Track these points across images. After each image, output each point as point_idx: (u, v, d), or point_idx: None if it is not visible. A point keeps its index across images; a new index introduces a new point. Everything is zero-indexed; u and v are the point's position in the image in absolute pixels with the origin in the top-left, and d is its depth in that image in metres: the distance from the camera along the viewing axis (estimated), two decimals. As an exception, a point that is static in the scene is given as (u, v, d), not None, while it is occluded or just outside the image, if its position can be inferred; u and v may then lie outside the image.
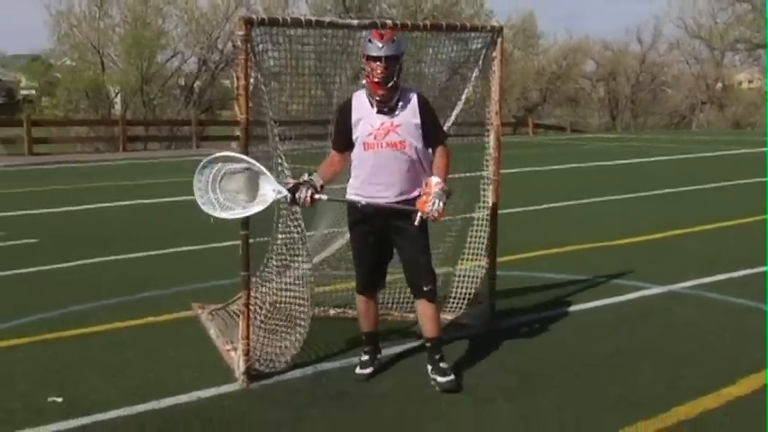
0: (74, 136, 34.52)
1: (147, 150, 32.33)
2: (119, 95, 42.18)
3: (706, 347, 6.04)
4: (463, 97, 6.42)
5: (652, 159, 23.41)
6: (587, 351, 5.96)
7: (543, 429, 4.63)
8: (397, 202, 5.16)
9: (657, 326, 6.59)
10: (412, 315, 6.67)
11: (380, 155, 5.10)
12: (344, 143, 5.22)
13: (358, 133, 5.14)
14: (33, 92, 53.40)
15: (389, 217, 5.17)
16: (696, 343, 6.15)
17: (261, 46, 5.32)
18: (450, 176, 6.38)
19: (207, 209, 5.16)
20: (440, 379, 5.22)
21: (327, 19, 5.41)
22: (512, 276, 7.56)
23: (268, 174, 5.06)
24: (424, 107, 5.18)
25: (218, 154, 5.14)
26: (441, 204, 4.86)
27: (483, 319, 6.45)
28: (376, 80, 4.99)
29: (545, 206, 13.12)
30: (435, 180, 4.95)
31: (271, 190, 5.04)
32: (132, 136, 32.10)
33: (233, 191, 5.12)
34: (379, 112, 5.11)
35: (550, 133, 40.95)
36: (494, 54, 6.15)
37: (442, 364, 5.27)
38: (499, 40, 6.12)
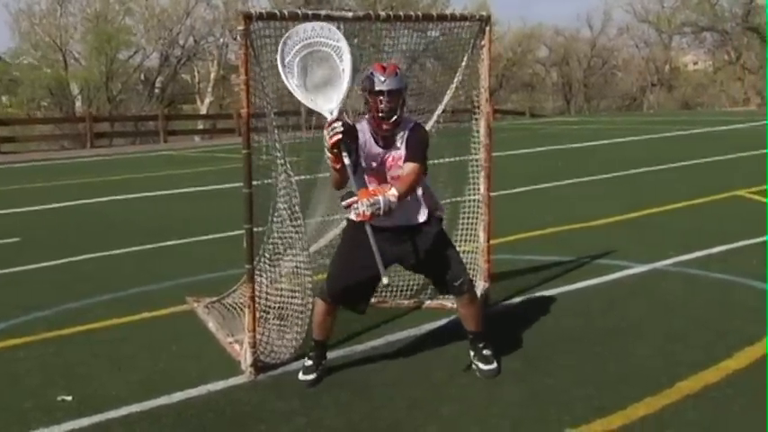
0: (38, 134, 34.24)
1: (113, 146, 32.14)
2: (80, 93, 41.84)
3: (697, 322, 6.19)
4: (453, 86, 6.49)
5: (614, 141, 23.68)
6: (584, 331, 6.08)
7: (555, 409, 4.72)
8: (408, 227, 5.10)
9: (647, 303, 6.73)
10: (406, 302, 6.78)
11: None
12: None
13: (363, 161, 5.00)
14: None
15: (405, 240, 5.10)
16: (687, 318, 6.29)
17: (258, 41, 5.30)
18: (439, 161, 6.54)
19: (281, 49, 4.96)
20: (483, 366, 5.27)
21: (323, 12, 5.43)
22: (498, 260, 7.64)
23: (344, 95, 4.90)
24: (414, 131, 5.04)
25: (343, 38, 4.99)
26: (369, 211, 4.66)
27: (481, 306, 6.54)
28: (380, 115, 4.88)
29: (517, 190, 13.25)
30: (392, 191, 4.78)
31: (328, 105, 4.86)
32: (98, 132, 31.88)
33: (309, 68, 4.97)
34: (380, 145, 5.01)
35: (509, 118, 41.18)
36: (482, 43, 6.23)
37: (485, 352, 5.32)
38: (487, 28, 6.20)
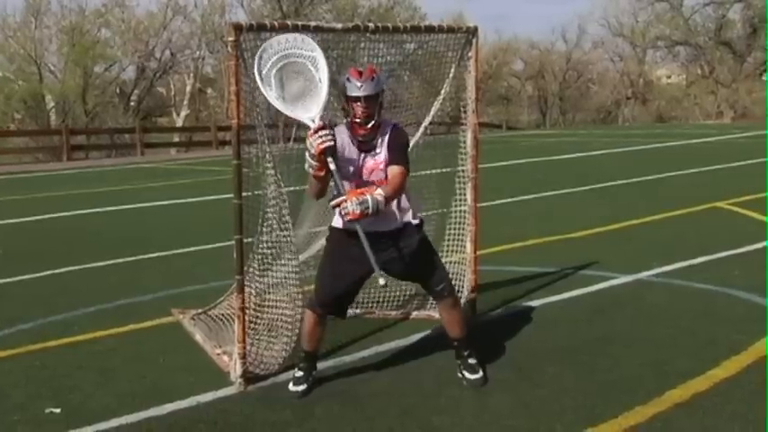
0: (12, 147, 34.05)
1: (89, 159, 32.02)
2: (54, 106, 41.67)
3: (683, 332, 6.23)
4: (440, 97, 6.52)
5: (592, 153, 23.85)
6: (571, 341, 6.11)
7: (546, 418, 4.74)
8: (392, 231, 5.11)
9: (632, 313, 6.78)
10: (393, 313, 6.79)
11: None
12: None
13: (342, 170, 4.93)
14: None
15: (389, 245, 5.11)
16: (673, 328, 6.33)
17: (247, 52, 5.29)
18: (425, 172, 6.57)
19: (257, 63, 4.95)
20: (468, 375, 5.30)
21: (313, 23, 5.45)
22: (482, 271, 7.64)
23: (324, 103, 4.89)
24: (394, 134, 5.05)
25: (317, 48, 4.99)
26: (358, 209, 4.63)
27: (466, 313, 6.54)
28: (357, 120, 4.89)
29: (497, 202, 13.29)
30: (379, 191, 4.76)
31: (308, 114, 4.85)
32: (75, 145, 31.74)
33: (286, 80, 4.97)
34: (360, 150, 5.01)
35: (485, 131, 41.31)
36: (469, 54, 6.27)
37: (470, 360, 5.34)
38: (474, 40, 6.24)
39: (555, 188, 15.29)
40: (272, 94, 4.94)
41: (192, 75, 49.22)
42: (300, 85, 4.99)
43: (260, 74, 4.95)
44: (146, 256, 9.79)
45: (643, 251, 9.15)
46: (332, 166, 4.77)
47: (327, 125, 4.82)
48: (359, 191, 4.76)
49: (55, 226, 13.09)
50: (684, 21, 58.53)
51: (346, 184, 4.89)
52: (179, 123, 46.99)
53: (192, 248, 10.11)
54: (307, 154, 4.81)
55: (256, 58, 4.97)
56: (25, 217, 13.93)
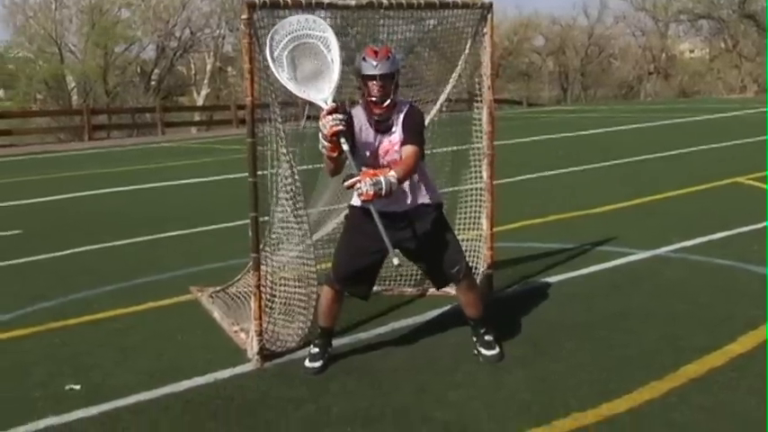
0: (35, 127, 34.26)
1: (111, 139, 32.19)
2: (76, 86, 41.87)
3: (701, 307, 6.22)
4: (455, 74, 6.50)
5: (613, 129, 23.73)
6: (587, 316, 6.11)
7: (561, 393, 4.74)
8: (406, 212, 5.14)
9: (650, 289, 6.76)
10: (410, 290, 6.81)
11: None
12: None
13: (358, 147, 4.99)
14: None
15: (403, 226, 5.12)
16: (690, 303, 6.32)
17: (261, 31, 5.30)
18: (440, 150, 6.56)
19: (269, 44, 4.94)
20: (485, 352, 5.31)
21: (326, 0, 5.42)
22: (500, 247, 7.63)
23: (336, 84, 4.88)
24: (409, 114, 5.05)
25: (329, 29, 4.98)
26: (372, 190, 4.62)
27: (483, 289, 6.55)
28: (373, 99, 4.89)
29: (518, 178, 13.30)
30: (392, 172, 4.75)
31: (321, 95, 4.85)
32: (96, 125, 31.89)
33: (298, 61, 4.96)
34: (376, 130, 5.03)
35: (506, 107, 41.17)
36: (484, 30, 6.24)
37: (487, 337, 5.35)
38: (489, 16, 6.20)
39: (577, 164, 15.23)
40: (284, 76, 4.95)
41: (212, 53, 49.23)
42: (313, 66, 4.99)
43: (272, 55, 4.95)
44: (165, 235, 9.86)
45: (663, 227, 9.12)
46: (345, 147, 4.78)
47: (340, 107, 4.83)
48: (372, 171, 4.76)
49: (75, 205, 13.18)
50: (708, -6, 57.94)
51: (361, 165, 4.90)
52: (199, 102, 47.05)
53: (211, 227, 10.16)
54: (320, 134, 4.82)
55: (268, 40, 4.97)
56: (46, 196, 14.03)
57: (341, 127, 4.73)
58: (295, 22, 5.02)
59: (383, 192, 4.67)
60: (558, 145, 19.88)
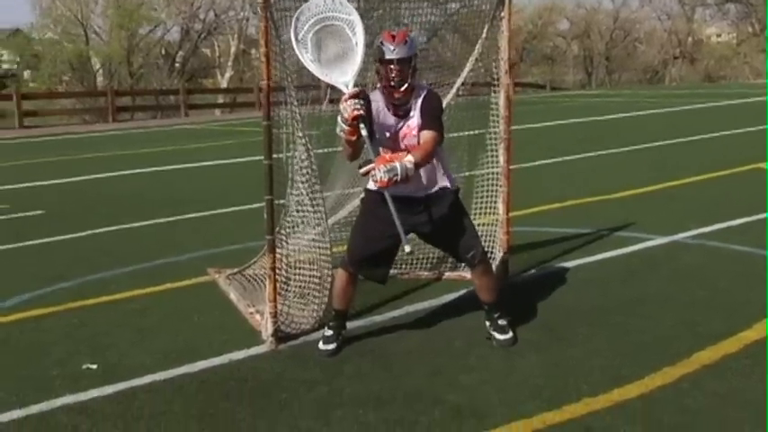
0: (60, 108, 34.51)
1: (134, 120, 32.37)
2: (102, 68, 42.21)
3: (717, 294, 6.20)
4: (472, 58, 6.49)
5: (636, 114, 23.58)
6: (603, 302, 6.10)
7: (573, 378, 4.75)
8: (423, 197, 5.14)
9: (667, 275, 6.75)
10: (425, 273, 6.82)
11: None
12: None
13: (375, 134, 4.98)
14: (15, 66, 52.98)
15: (420, 210, 5.14)
16: (706, 290, 6.30)
17: (278, 14, 5.31)
18: (456, 134, 6.55)
19: (294, 24, 4.96)
20: (498, 336, 5.32)
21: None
22: (517, 232, 7.62)
23: (358, 68, 4.90)
24: (427, 99, 5.04)
25: (354, 12, 4.99)
26: (387, 177, 4.63)
27: (498, 274, 6.56)
28: (391, 84, 4.88)
29: (538, 162, 13.26)
30: (408, 157, 4.74)
31: (343, 78, 4.87)
32: (120, 106, 32.08)
33: (323, 42, 4.98)
34: (394, 114, 5.02)
35: (530, 91, 41.01)
36: (502, 14, 6.21)
37: (500, 321, 5.36)
38: (507, 0, 6.18)
39: (598, 148, 15.17)
40: (307, 57, 4.96)
41: (236, 36, 49.31)
42: (337, 48, 5.00)
43: (296, 36, 4.96)
44: (186, 216, 9.92)
45: (682, 212, 9.08)
46: (363, 132, 4.79)
47: (362, 92, 4.84)
48: (388, 157, 4.75)
49: (96, 187, 13.28)
50: (735, -23, 57.37)
51: (378, 150, 4.89)
52: (223, 85, 47.21)
53: (232, 209, 10.21)
54: (339, 118, 4.83)
55: (293, 20, 4.99)
56: (68, 177, 14.15)
57: (362, 112, 4.75)
58: (321, 3, 5.04)
59: (398, 178, 4.67)
60: (579, 129, 19.79)
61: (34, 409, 4.58)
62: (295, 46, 4.96)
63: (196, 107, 33.94)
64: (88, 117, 32.80)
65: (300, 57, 4.98)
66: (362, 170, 4.78)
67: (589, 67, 60.33)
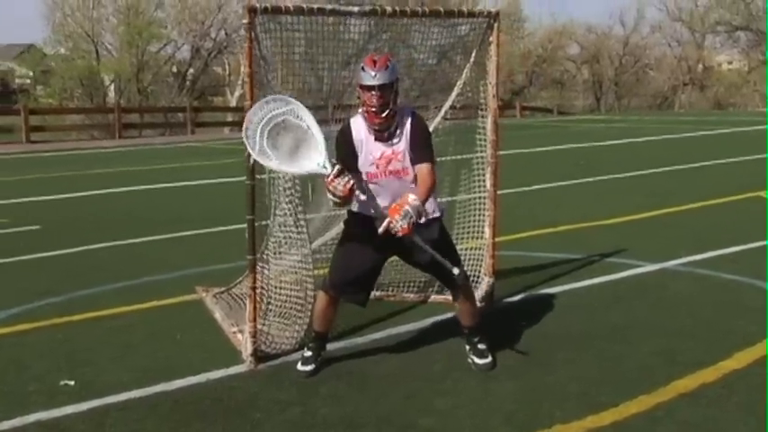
0: (69, 124, 34.68)
1: (142, 137, 32.55)
2: (112, 84, 42.52)
3: (701, 322, 6.19)
4: (460, 82, 6.51)
5: (639, 140, 23.59)
6: (586, 328, 6.09)
7: (547, 404, 4.74)
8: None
9: (653, 302, 6.74)
10: (411, 296, 6.82)
11: (384, 183, 4.98)
12: (354, 163, 4.97)
13: (360, 160, 4.99)
14: (28, 81, 53.37)
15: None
16: (691, 318, 6.29)
17: (262, 35, 5.35)
18: (444, 158, 6.56)
19: (248, 142, 4.96)
20: (477, 360, 5.32)
21: (329, 6, 5.47)
22: (507, 256, 7.63)
23: (323, 144, 4.82)
24: (415, 126, 5.00)
25: (292, 100, 4.96)
26: (406, 223, 4.63)
27: (483, 298, 6.56)
28: (372, 110, 4.84)
29: (536, 187, 13.26)
30: (412, 197, 4.72)
31: (316, 162, 4.80)
32: (127, 123, 32.20)
33: (278, 142, 4.93)
34: (377, 139, 4.99)
35: (538, 115, 41.07)
36: (490, 39, 6.25)
37: (480, 346, 5.36)
38: (495, 25, 6.21)
39: (596, 174, 15.17)
40: (274, 163, 4.93)
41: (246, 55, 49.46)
42: (291, 141, 4.91)
43: (255, 150, 4.92)
44: (179, 234, 9.96)
45: (674, 240, 9.08)
46: (362, 197, 4.87)
47: (342, 170, 4.76)
48: (396, 206, 4.72)
49: (94, 202, 13.35)
50: (746, 5, 57.32)
51: (365, 175, 4.93)
52: (233, 103, 47.36)
53: (226, 227, 10.20)
54: (329, 196, 4.82)
55: (244, 140, 4.95)
56: (68, 193, 14.21)
57: (353, 182, 4.74)
58: (259, 109, 4.97)
59: (414, 219, 4.66)
60: (581, 154, 19.79)
61: (6, 425, 4.59)
62: (259, 159, 4.94)
63: (205, 125, 33.97)
64: (97, 133, 32.99)
65: (269, 164, 4.98)
66: (381, 231, 4.71)
67: (598, 93, 60.35)
